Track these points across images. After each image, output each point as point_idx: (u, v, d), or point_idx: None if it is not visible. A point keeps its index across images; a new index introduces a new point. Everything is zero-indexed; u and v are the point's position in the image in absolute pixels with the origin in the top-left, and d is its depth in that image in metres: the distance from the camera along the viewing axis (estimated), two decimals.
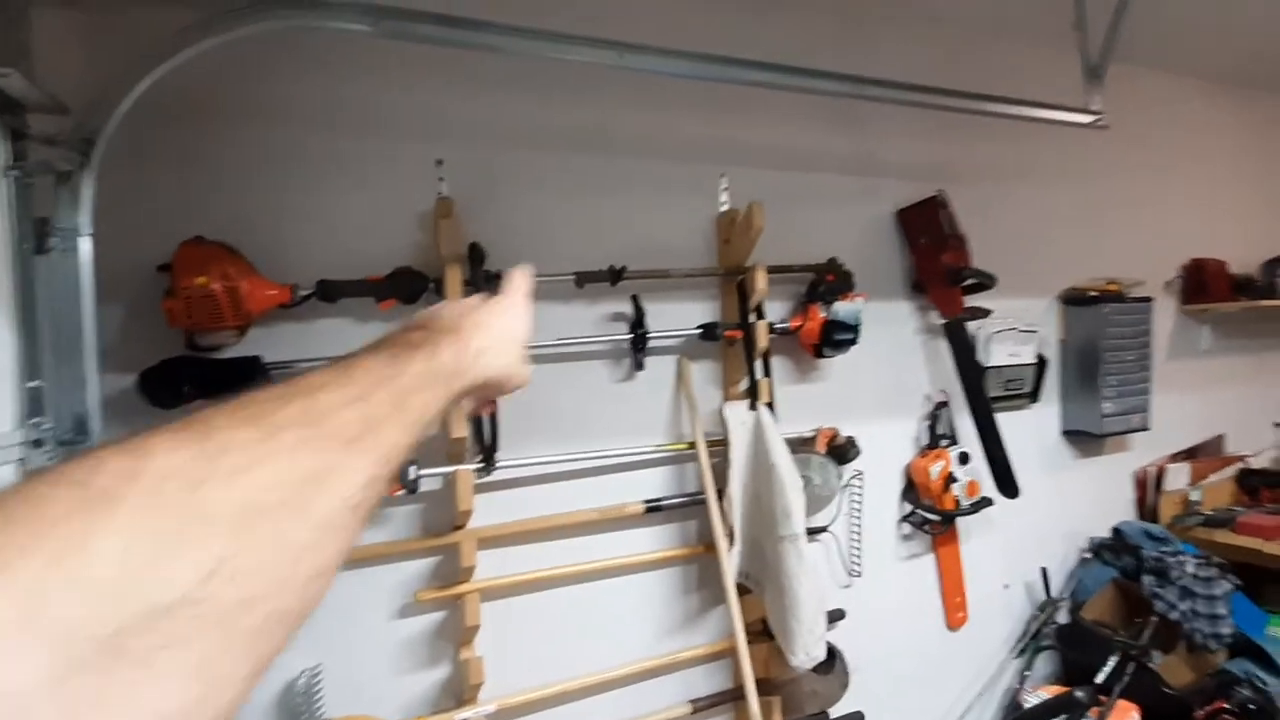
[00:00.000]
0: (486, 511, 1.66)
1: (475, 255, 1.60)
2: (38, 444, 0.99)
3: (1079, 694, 1.99)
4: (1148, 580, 2.25)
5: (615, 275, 1.74)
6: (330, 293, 1.51)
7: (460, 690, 1.64)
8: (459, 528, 1.62)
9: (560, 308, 1.78)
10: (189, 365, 1.39)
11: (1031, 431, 2.57)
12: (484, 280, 1.58)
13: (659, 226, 1.93)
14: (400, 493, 1.53)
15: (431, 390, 0.41)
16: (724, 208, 1.97)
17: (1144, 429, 2.61)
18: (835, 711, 2.02)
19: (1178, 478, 2.76)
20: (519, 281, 0.60)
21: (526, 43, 1.36)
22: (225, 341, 1.44)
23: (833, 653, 1.93)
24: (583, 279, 1.73)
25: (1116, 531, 2.48)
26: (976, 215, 2.29)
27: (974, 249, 2.23)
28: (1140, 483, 2.80)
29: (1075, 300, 2.55)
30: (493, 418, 1.59)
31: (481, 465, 1.61)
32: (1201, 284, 2.83)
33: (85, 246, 1.09)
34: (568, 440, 1.78)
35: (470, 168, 1.67)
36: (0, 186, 0.98)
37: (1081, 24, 1.98)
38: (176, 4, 1.25)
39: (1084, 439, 2.60)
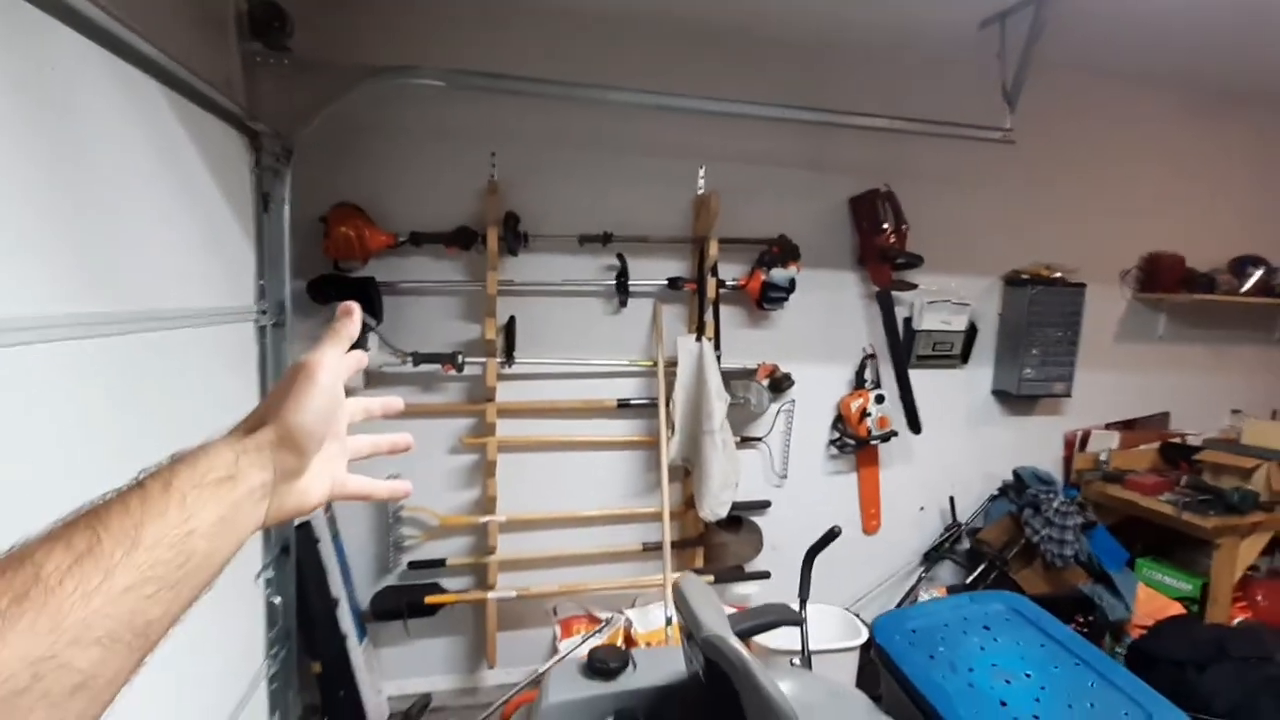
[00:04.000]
0: (506, 392, 2.52)
1: (510, 220, 2.41)
2: (263, 312, 1.91)
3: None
4: (1026, 512, 2.80)
5: (606, 238, 2.50)
6: (418, 239, 2.37)
7: (484, 504, 2.55)
8: (488, 400, 2.49)
9: (568, 258, 2.56)
10: (333, 280, 2.30)
11: (963, 387, 3.12)
12: (514, 237, 2.39)
13: (648, 205, 2.64)
14: (452, 371, 2.41)
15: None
16: (700, 191, 2.64)
17: (1065, 395, 3.08)
18: (750, 569, 2.79)
19: (1103, 442, 3.20)
20: (330, 338, 0.49)
21: (542, 86, 2.11)
22: (354, 267, 2.34)
23: (740, 519, 2.68)
24: (583, 239, 2.50)
25: (1015, 474, 3.01)
26: (926, 206, 2.82)
27: (920, 234, 2.77)
28: (1069, 442, 3.27)
29: (1011, 281, 3.02)
30: (511, 329, 2.43)
31: (504, 360, 2.46)
32: (1155, 276, 3.17)
33: (285, 209, 1.98)
34: (567, 351, 2.59)
35: (513, 160, 2.46)
36: (249, 178, 1.88)
37: (1002, 53, 2.45)
38: (330, 68, 2.09)
39: (1011, 399, 3.11)
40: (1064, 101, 2.95)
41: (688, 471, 2.67)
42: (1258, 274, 3.15)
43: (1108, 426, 3.29)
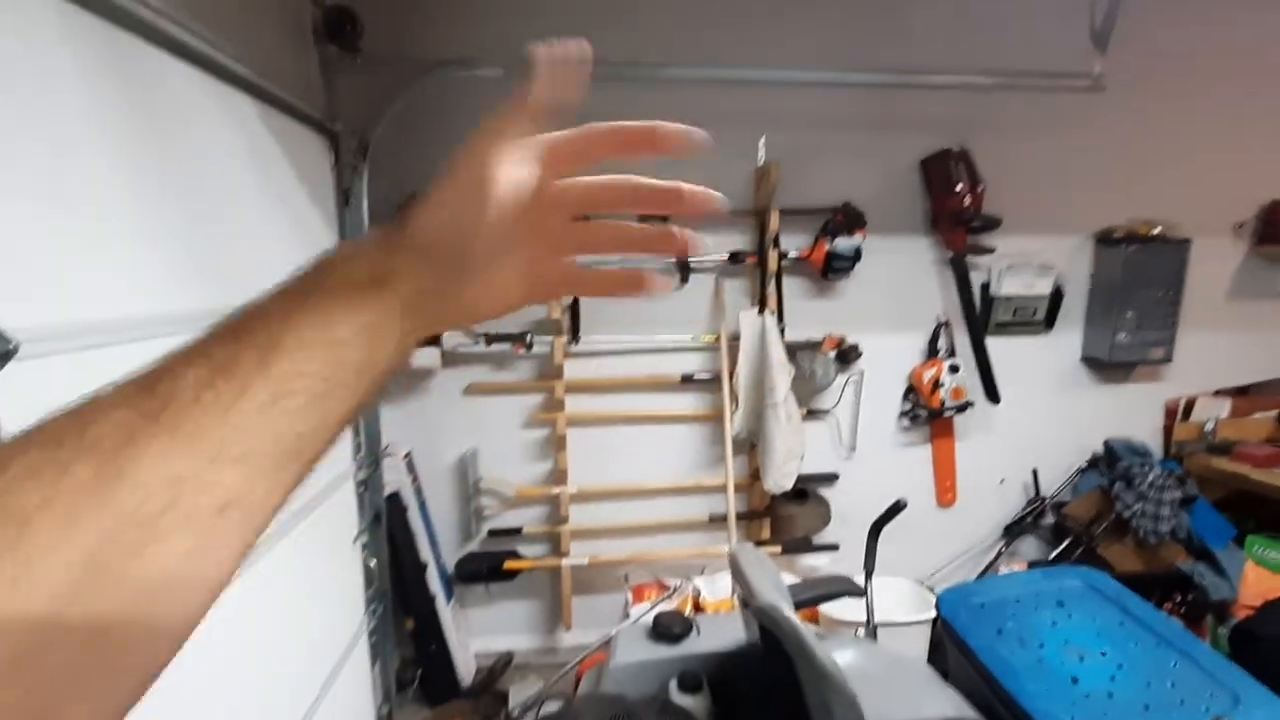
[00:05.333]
0: (573, 369, 2.61)
1: None
2: None
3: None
4: (1117, 485, 2.65)
5: (664, 216, 2.51)
6: None
7: (556, 476, 2.67)
8: (556, 377, 2.58)
9: None
10: None
11: (1048, 355, 2.95)
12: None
13: (707, 178, 2.58)
14: (522, 351, 2.52)
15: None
16: (761, 162, 2.60)
17: (1165, 360, 2.86)
18: (819, 540, 2.79)
19: (1210, 410, 2.96)
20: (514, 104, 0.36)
21: (596, 68, 2.13)
22: None
23: (806, 492, 2.68)
24: (643, 216, 2.52)
25: (1107, 446, 2.83)
26: (1006, 164, 2.66)
27: (1000, 194, 2.62)
28: (1170, 411, 3.04)
29: (1104, 240, 2.81)
30: (576, 308, 2.50)
31: (571, 338, 2.54)
32: (1277, 226, 2.86)
33: (364, 203, 2.12)
34: (630, 329, 2.65)
35: None
36: (330, 175, 2.02)
37: None
38: (397, 64, 2.19)
39: (1104, 366, 2.92)
40: (1160, 36, 2.66)
41: (753, 445, 2.69)
42: None
43: (1216, 394, 3.03)
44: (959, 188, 2.58)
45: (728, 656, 1.55)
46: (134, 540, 0.24)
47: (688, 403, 2.74)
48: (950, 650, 1.57)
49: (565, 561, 2.63)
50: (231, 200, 1.39)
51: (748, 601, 1.25)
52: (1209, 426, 2.87)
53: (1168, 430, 3.05)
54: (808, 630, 1.08)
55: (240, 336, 0.29)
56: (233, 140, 1.40)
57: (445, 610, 2.51)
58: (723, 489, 2.65)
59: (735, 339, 2.61)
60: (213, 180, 1.31)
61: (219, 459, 0.27)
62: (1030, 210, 2.74)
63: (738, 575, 1.29)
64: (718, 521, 2.75)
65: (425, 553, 2.48)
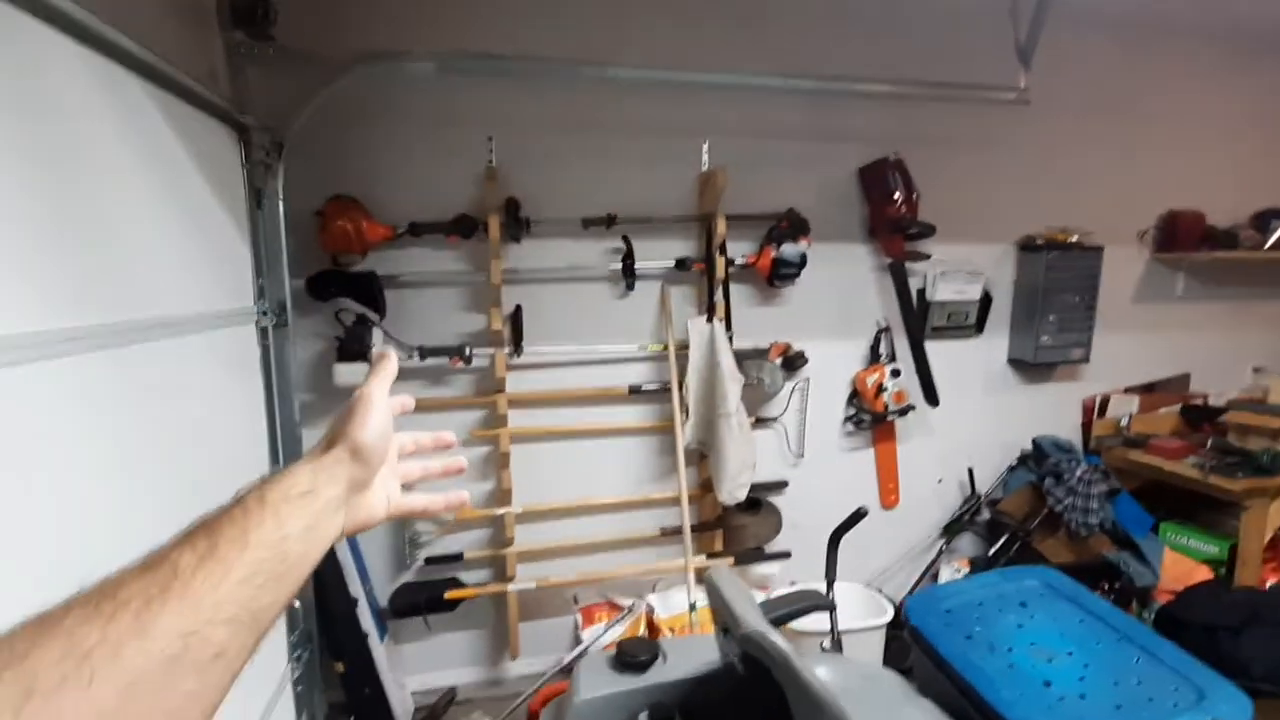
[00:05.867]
0: (515, 382, 2.47)
1: (511, 206, 2.34)
2: (264, 313, 1.86)
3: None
4: (1048, 481, 2.76)
5: (610, 220, 2.43)
6: (417, 230, 2.30)
7: (499, 496, 2.51)
8: (498, 391, 2.44)
9: (571, 243, 2.49)
10: (333, 275, 2.24)
11: (979, 358, 3.06)
12: (516, 223, 2.32)
13: (652, 184, 2.55)
14: (460, 365, 2.36)
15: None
16: (705, 167, 2.56)
17: (1083, 361, 3.02)
18: (770, 549, 2.76)
19: (1122, 406, 3.15)
20: (376, 373, 0.58)
21: (537, 66, 2.03)
22: (353, 261, 2.28)
23: (758, 501, 2.64)
24: (586, 223, 2.43)
25: (1035, 444, 2.96)
26: (938, 173, 2.73)
27: (933, 202, 2.69)
28: (1088, 409, 3.21)
29: (1026, 247, 2.94)
30: (518, 319, 2.37)
31: (512, 350, 2.40)
32: (1174, 234, 3.09)
33: (280, 204, 1.92)
34: (574, 339, 2.54)
35: (511, 144, 2.38)
36: (240, 174, 1.81)
37: (1014, 10, 2.36)
38: (317, 56, 2.00)
39: (1028, 367, 3.05)
40: (1079, 57, 2.83)
41: (704, 455, 2.63)
42: None
43: (1126, 391, 3.23)
44: (896, 196, 2.63)
45: (698, 681, 1.46)
46: (160, 678, 0.33)
47: (636, 414, 2.66)
48: (918, 657, 1.55)
49: (512, 586, 2.48)
50: (118, 198, 1.19)
51: (729, 628, 1.16)
52: (1124, 422, 3.05)
53: (1086, 426, 3.22)
54: (798, 657, 1.01)
55: (216, 532, 0.40)
56: (118, 127, 1.20)
57: (379, 649, 2.30)
58: (674, 502, 2.57)
59: (683, 348, 2.55)
60: (92, 173, 1.11)
61: (214, 620, 0.36)
62: (961, 218, 2.83)
63: (716, 600, 1.21)
64: (670, 535, 2.67)
65: (355, 588, 2.27)
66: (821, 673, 1.29)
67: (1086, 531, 2.62)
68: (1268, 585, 2.65)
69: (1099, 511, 2.60)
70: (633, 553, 2.70)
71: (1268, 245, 3.01)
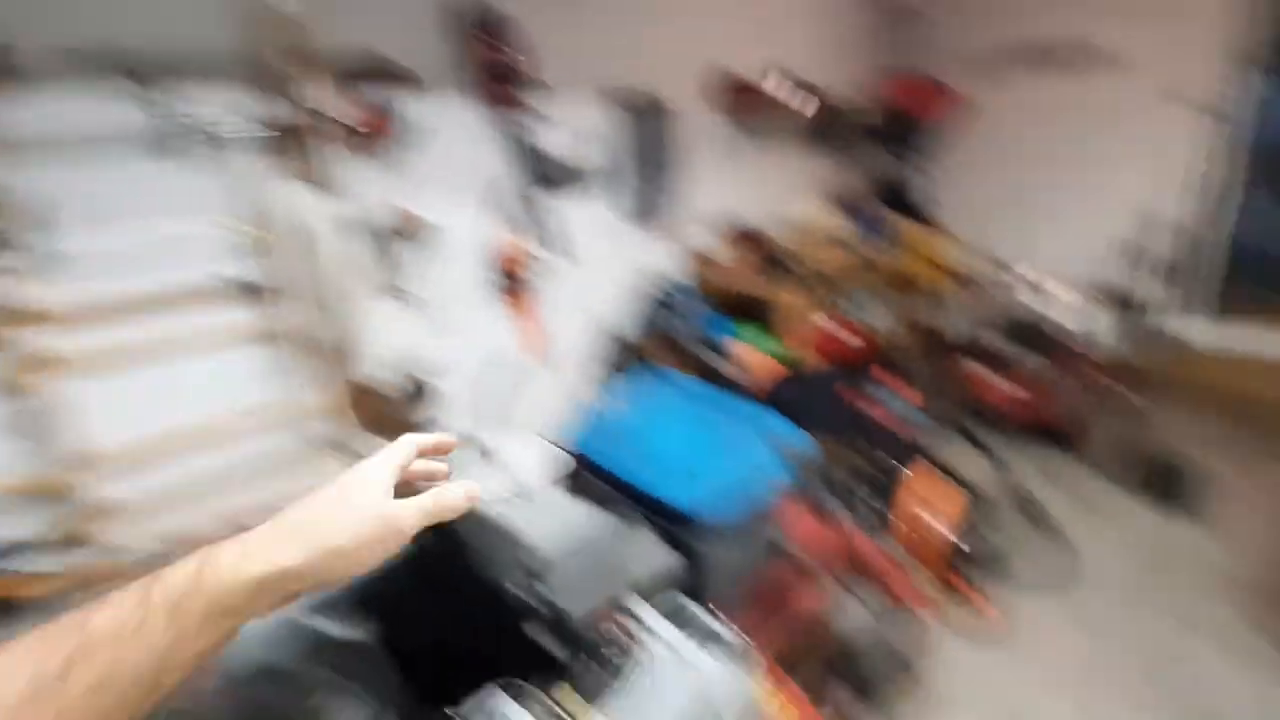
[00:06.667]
0: (50, 298, 1.81)
1: None
2: None
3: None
4: (664, 312, 3.26)
5: (129, 71, 1.83)
6: None
7: (67, 456, 1.90)
8: (32, 321, 1.75)
9: (87, 101, 1.82)
10: None
11: (597, 212, 3.33)
12: None
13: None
14: None
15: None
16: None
17: (671, 215, 3.54)
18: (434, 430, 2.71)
19: (710, 244, 3.84)
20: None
21: None
22: None
23: (413, 383, 2.56)
24: (87, 61, 1.79)
25: (656, 286, 3.45)
26: (547, 26, 2.70)
27: (542, 57, 2.66)
28: (690, 252, 3.83)
29: (625, 107, 3.21)
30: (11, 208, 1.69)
31: (25, 257, 1.72)
32: (733, 95, 3.70)
33: None
34: (127, 228, 1.94)
35: None
36: None
37: None
38: None
39: (641, 219, 3.44)
40: None
41: (337, 349, 2.37)
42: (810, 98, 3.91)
43: (713, 234, 3.92)
44: (504, 50, 2.54)
45: (381, 579, 1.39)
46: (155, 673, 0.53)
47: (241, 318, 2.22)
48: (586, 477, 1.73)
49: (128, 558, 1.96)
50: None
51: None
52: (708, 260, 3.73)
53: (690, 266, 3.85)
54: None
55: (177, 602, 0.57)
56: None
57: None
58: (312, 411, 2.30)
59: (287, 230, 2.17)
60: None
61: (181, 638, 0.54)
62: (570, 74, 2.90)
63: None
64: (317, 448, 2.41)
65: None
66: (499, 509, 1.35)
67: (692, 347, 3.22)
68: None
69: (701, 329, 3.19)
70: (275, 480, 2.36)
71: (797, 105, 3.83)
